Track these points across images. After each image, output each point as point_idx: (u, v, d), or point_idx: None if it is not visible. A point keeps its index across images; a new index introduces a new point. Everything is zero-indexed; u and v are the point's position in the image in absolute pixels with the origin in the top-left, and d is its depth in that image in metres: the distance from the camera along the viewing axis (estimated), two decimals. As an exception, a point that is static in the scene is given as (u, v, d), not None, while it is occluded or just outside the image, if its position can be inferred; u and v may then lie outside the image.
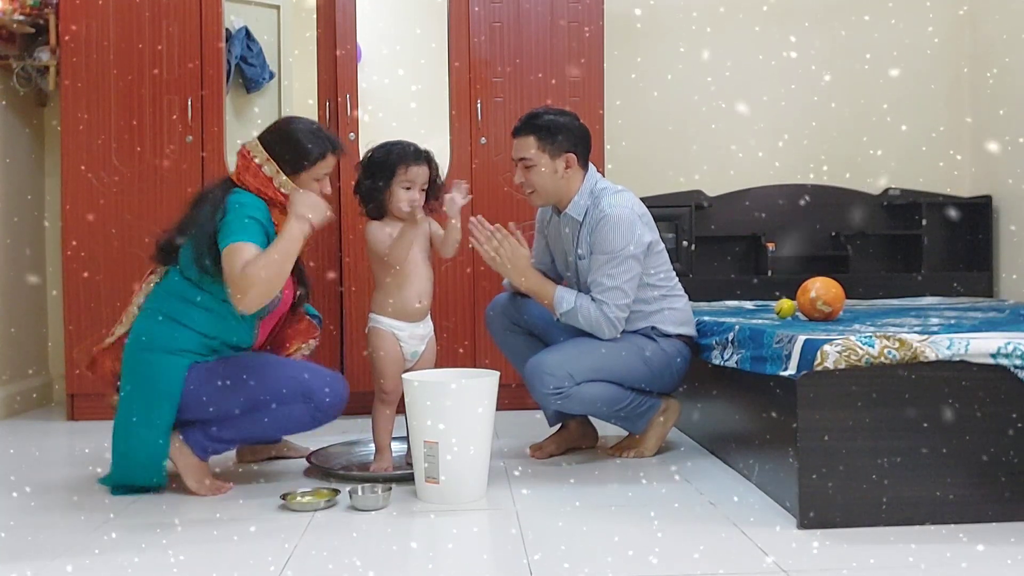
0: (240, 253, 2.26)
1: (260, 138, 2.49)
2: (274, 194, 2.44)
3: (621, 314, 2.65)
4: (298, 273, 2.59)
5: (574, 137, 2.73)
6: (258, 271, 2.22)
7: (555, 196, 2.76)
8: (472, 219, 2.72)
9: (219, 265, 2.31)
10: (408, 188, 2.60)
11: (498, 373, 2.47)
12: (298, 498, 2.33)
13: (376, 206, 2.64)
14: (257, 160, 2.44)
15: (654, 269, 2.75)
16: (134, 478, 2.43)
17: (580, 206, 2.73)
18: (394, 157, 2.61)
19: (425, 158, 2.64)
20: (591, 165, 2.80)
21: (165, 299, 2.44)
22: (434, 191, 2.68)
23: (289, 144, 2.46)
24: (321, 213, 2.38)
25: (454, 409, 2.34)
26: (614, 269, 2.64)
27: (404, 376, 2.45)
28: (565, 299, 2.67)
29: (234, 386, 2.38)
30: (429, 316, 2.75)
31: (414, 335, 2.68)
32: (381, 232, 2.64)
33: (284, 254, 2.27)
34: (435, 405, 2.35)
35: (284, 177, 2.44)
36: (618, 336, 2.67)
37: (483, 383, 2.41)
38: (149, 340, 2.40)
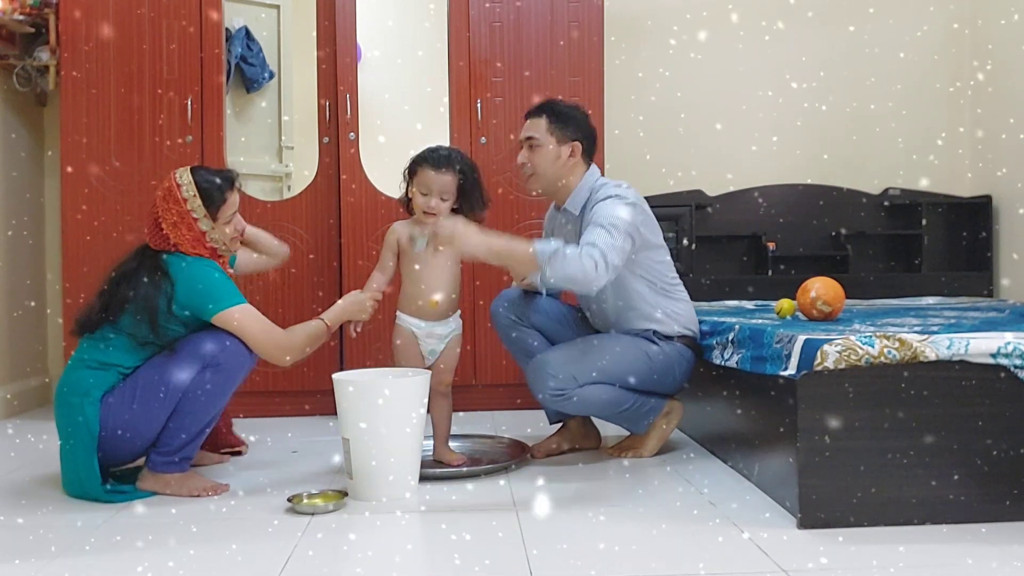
0: (249, 315, 2.45)
1: (195, 190, 2.49)
2: (203, 250, 2.50)
3: (611, 259, 2.47)
4: None
5: (583, 129, 2.76)
6: (298, 343, 2.50)
7: (553, 182, 2.76)
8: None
9: (159, 334, 2.40)
10: (424, 194, 2.64)
11: (420, 377, 2.49)
12: (304, 500, 2.33)
13: (406, 202, 2.73)
14: (195, 214, 2.47)
15: (656, 263, 2.76)
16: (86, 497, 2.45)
17: (578, 201, 2.74)
18: (417, 158, 2.66)
19: (452, 167, 2.64)
20: (594, 165, 2.81)
21: (82, 351, 2.49)
22: (471, 200, 2.71)
23: (200, 195, 2.49)
24: (365, 315, 2.63)
25: (361, 408, 2.38)
26: (605, 227, 2.53)
27: (333, 375, 2.47)
28: (550, 245, 2.46)
29: (144, 399, 2.39)
30: (457, 316, 2.77)
31: (432, 334, 2.71)
32: (403, 230, 2.71)
33: (314, 340, 2.55)
34: (343, 403, 2.41)
35: (217, 232, 2.51)
36: (604, 279, 2.49)
37: (388, 385, 2.44)
38: (69, 388, 2.43)
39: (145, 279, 2.42)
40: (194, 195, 2.47)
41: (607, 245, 2.49)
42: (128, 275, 2.45)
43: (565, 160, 2.73)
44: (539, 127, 2.73)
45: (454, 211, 2.70)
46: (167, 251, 2.47)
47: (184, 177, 2.49)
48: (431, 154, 2.65)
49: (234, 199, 2.55)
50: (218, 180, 2.52)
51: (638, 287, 2.73)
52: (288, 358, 2.50)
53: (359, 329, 2.73)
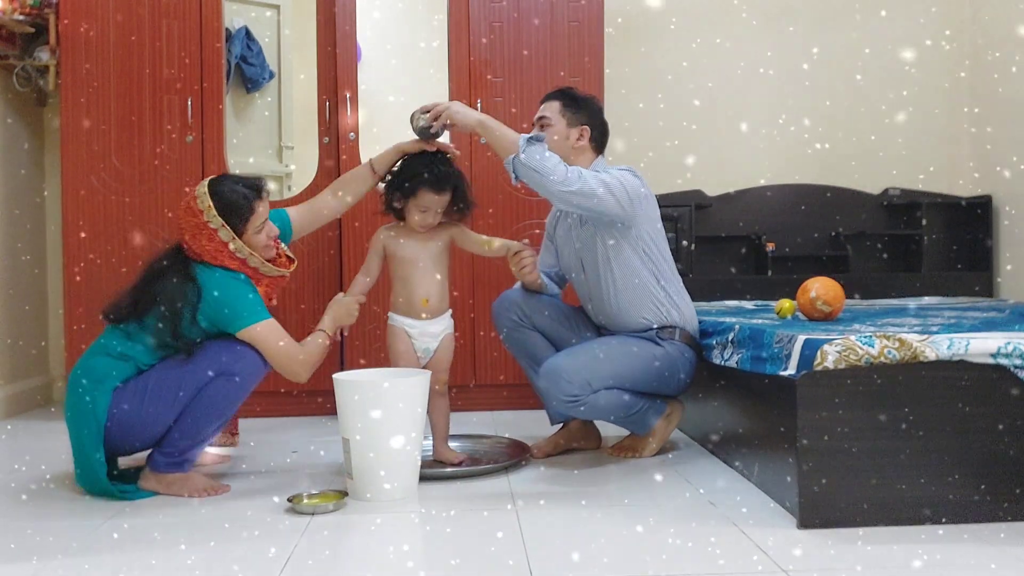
0: (271, 332, 2.46)
1: (209, 201, 2.46)
2: (229, 261, 2.48)
3: (588, 179, 2.58)
4: None
5: (595, 117, 2.84)
6: (313, 359, 2.54)
7: None
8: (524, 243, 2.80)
9: (178, 339, 2.40)
10: (423, 211, 2.66)
11: (420, 377, 2.49)
12: (304, 500, 2.34)
13: (394, 212, 2.73)
14: (212, 225, 2.44)
15: (660, 249, 2.78)
16: (93, 491, 2.46)
17: None
18: (416, 181, 2.64)
19: (450, 186, 2.66)
20: (602, 156, 2.85)
21: (107, 338, 2.49)
22: (464, 206, 2.73)
23: (224, 206, 2.46)
24: (352, 319, 2.66)
25: (362, 408, 2.38)
26: (598, 171, 2.67)
27: (334, 375, 2.47)
28: (538, 137, 2.64)
29: (154, 398, 2.40)
30: (448, 314, 2.78)
31: (425, 332, 2.72)
32: (391, 240, 2.73)
33: (323, 353, 2.57)
34: (343, 403, 2.41)
35: (239, 242, 2.47)
36: (572, 187, 2.56)
37: (389, 385, 2.43)
38: (84, 373, 2.44)
39: (173, 286, 2.42)
40: (209, 207, 2.44)
41: (590, 173, 2.63)
42: (159, 275, 2.46)
43: (574, 142, 2.79)
44: (552, 108, 2.82)
45: (446, 213, 2.72)
46: (196, 260, 2.48)
47: (200, 188, 2.48)
48: (431, 177, 2.63)
49: (263, 208, 2.52)
50: (243, 190, 2.49)
51: (642, 274, 2.74)
52: (306, 374, 2.52)
53: (346, 333, 2.74)
